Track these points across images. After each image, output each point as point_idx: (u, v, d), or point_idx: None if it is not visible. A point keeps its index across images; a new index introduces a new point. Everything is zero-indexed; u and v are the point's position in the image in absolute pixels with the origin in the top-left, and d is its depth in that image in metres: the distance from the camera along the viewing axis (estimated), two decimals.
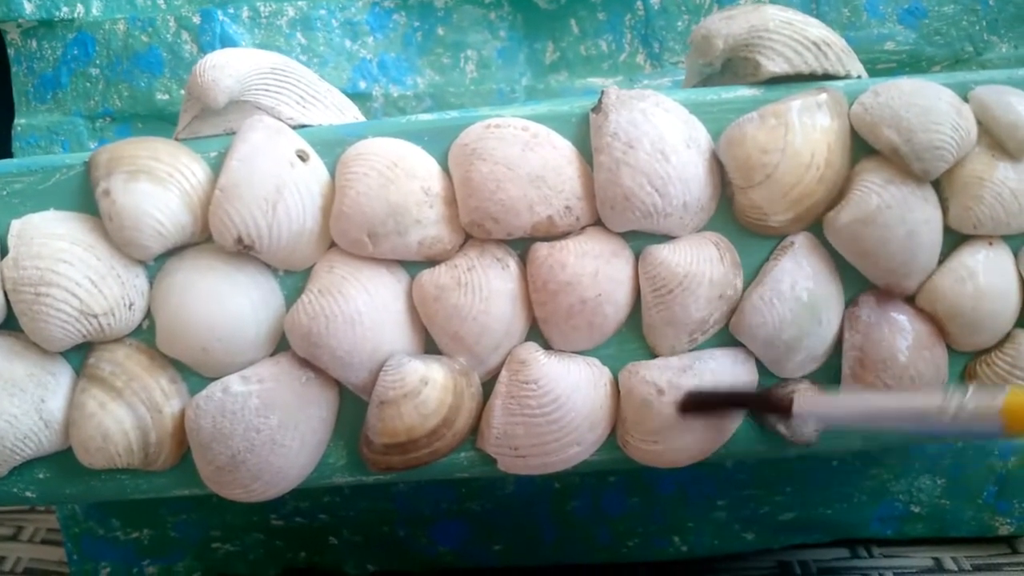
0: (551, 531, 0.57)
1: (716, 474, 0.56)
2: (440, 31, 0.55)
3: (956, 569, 0.56)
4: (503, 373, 0.38)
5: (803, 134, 0.37)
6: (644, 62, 0.55)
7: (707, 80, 0.42)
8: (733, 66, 0.40)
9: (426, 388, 0.37)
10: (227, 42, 0.54)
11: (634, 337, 0.40)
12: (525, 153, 0.37)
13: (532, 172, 0.37)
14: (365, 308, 0.38)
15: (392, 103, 0.55)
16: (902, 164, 0.37)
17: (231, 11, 0.54)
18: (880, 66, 0.55)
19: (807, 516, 0.57)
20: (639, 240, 0.39)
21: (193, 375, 0.39)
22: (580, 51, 0.55)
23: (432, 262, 0.39)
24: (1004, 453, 0.58)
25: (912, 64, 0.55)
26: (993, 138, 0.38)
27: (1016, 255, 0.39)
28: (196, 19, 0.52)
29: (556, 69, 0.57)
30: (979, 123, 0.39)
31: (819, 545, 0.59)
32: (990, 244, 0.39)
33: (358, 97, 0.55)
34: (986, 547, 0.59)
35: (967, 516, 0.58)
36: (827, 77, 0.40)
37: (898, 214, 0.37)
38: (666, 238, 0.39)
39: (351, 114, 0.42)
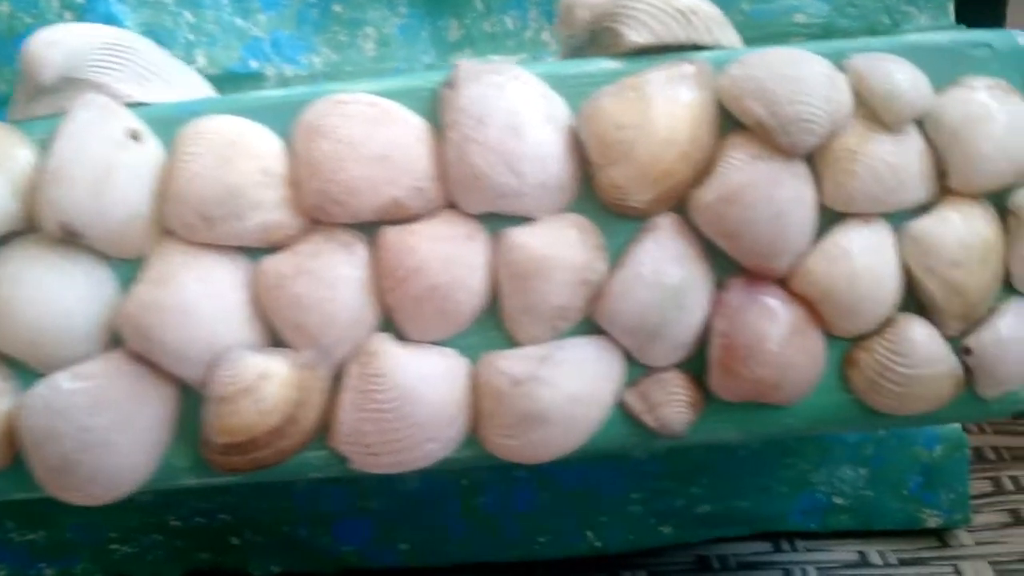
0: (459, 528, 0.55)
1: (628, 466, 0.54)
2: (337, 8, 0.53)
3: (881, 563, 0.55)
4: (352, 366, 0.36)
5: (663, 108, 0.35)
6: (550, 39, 0.54)
7: (576, 53, 0.39)
8: (599, 38, 0.38)
9: (265, 384, 0.35)
10: (111, 22, 0.52)
11: (495, 326, 0.37)
12: (371, 130, 0.35)
13: (378, 151, 0.35)
14: (201, 298, 0.35)
15: (285, 84, 0.54)
16: (769, 138, 0.35)
17: None
18: (793, 40, 0.53)
19: (725, 508, 0.56)
20: (498, 222, 0.37)
21: (26, 372, 0.37)
22: (485, 28, 0.54)
23: (276, 248, 0.37)
24: (930, 442, 0.56)
25: (825, 37, 0.53)
26: (869, 109, 0.36)
27: (897, 234, 0.37)
28: None
29: (460, 47, 0.55)
30: (856, 94, 0.36)
31: (741, 538, 0.58)
32: (867, 222, 0.36)
33: (249, 78, 0.53)
34: (914, 540, 0.57)
35: (893, 508, 0.57)
36: (695, 47, 0.37)
37: (764, 192, 0.35)
38: (526, 220, 0.37)
39: (201, 92, 0.39)
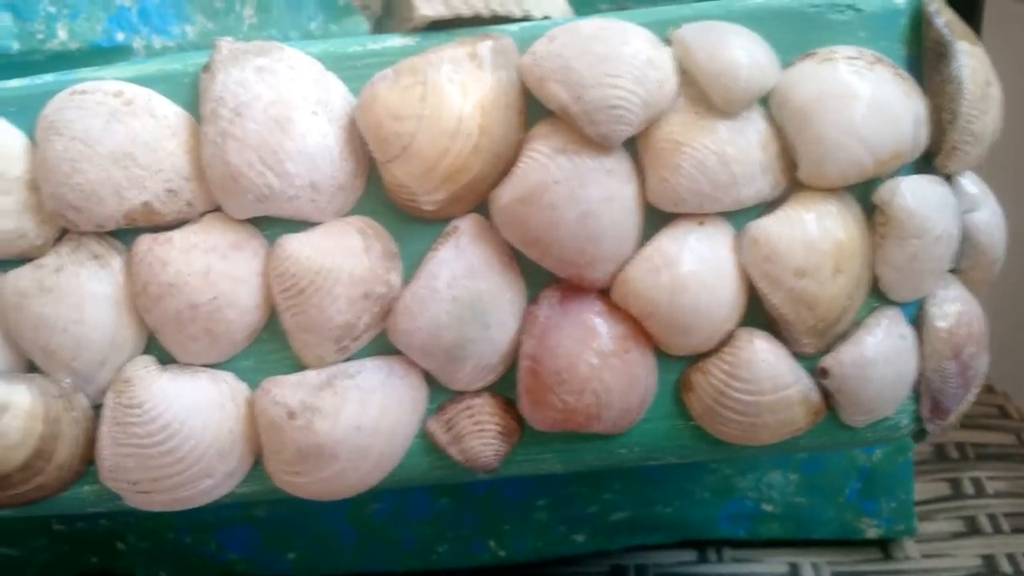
0: (351, 537, 0.51)
1: None
2: None
3: None
4: (108, 395, 0.32)
5: (447, 94, 0.30)
6: None
7: (378, 28, 0.34)
8: (396, 10, 0.33)
9: (6, 416, 0.31)
10: None
11: (279, 346, 0.33)
12: (110, 125, 0.30)
13: (117, 149, 0.30)
14: None
15: (155, 56, 0.49)
16: (576, 127, 0.30)
17: None
18: None
19: (643, 515, 0.51)
20: (282, 227, 0.32)
21: None
22: None
23: (24, 260, 0.32)
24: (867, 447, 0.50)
25: None
26: (699, 90, 0.30)
27: (738, 236, 0.31)
28: None
29: (352, 11, 0.49)
30: (683, 72, 0.30)
31: (664, 547, 0.53)
32: (701, 224, 0.31)
33: (116, 51, 0.48)
34: (854, 551, 0.52)
35: (828, 516, 0.52)
36: (500, 20, 0.32)
37: (567, 191, 0.29)
38: (309, 224, 0.32)
39: None
